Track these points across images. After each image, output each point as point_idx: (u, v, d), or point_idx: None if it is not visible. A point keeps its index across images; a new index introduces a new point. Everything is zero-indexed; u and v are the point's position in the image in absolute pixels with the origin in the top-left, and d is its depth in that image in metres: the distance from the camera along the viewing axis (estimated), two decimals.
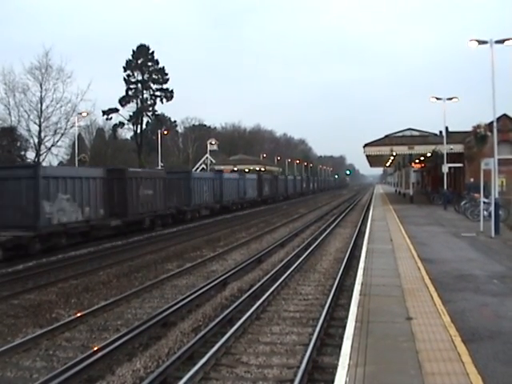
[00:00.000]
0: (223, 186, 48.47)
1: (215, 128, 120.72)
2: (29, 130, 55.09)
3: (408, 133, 48.81)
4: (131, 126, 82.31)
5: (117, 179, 28.75)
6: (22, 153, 55.33)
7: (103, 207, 26.60)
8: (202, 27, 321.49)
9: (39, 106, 55.27)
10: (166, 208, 34.52)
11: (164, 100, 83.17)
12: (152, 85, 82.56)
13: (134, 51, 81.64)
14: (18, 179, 21.91)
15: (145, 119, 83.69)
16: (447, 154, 40.86)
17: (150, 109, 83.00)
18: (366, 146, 47.36)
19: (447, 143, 41.23)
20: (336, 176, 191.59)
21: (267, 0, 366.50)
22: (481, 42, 23.61)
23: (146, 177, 32.63)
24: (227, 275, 16.91)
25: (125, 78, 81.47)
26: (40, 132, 55.06)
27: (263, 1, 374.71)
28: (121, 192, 28.88)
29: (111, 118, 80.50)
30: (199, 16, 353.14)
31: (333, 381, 6.63)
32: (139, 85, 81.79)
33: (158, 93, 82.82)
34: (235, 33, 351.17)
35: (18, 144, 54.80)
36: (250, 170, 78.36)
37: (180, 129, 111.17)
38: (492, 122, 25.23)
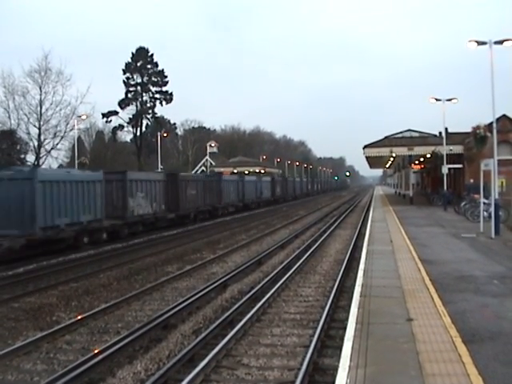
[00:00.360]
0: (245, 187, 55.81)
1: (215, 130, 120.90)
2: (28, 133, 55.26)
3: (407, 134, 48.89)
4: (131, 129, 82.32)
5: (171, 181, 35.91)
6: (22, 156, 55.38)
7: (164, 203, 34.11)
8: (202, 29, 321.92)
9: (39, 108, 55.47)
10: (204, 205, 42.35)
11: (163, 102, 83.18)
12: (151, 87, 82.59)
13: (133, 54, 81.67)
14: (111, 182, 28.63)
15: (144, 122, 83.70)
16: (447, 154, 40.90)
17: (150, 111, 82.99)
18: (365, 147, 47.41)
19: (447, 144, 41.27)
20: (336, 178, 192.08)
21: (267, 1, 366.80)
22: (480, 43, 23.63)
23: (191, 179, 41.44)
24: (227, 277, 16.92)
25: (124, 81, 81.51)
26: (40, 135, 55.20)
27: (263, 2, 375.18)
28: (174, 192, 36.10)
29: (111, 120, 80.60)
30: (198, 18, 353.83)
31: (333, 382, 6.64)
32: (139, 87, 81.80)
33: (157, 95, 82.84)
34: (235, 34, 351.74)
35: (18, 147, 54.84)
36: (249, 172, 78.32)
37: (179, 131, 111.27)
38: (491, 123, 25.25)
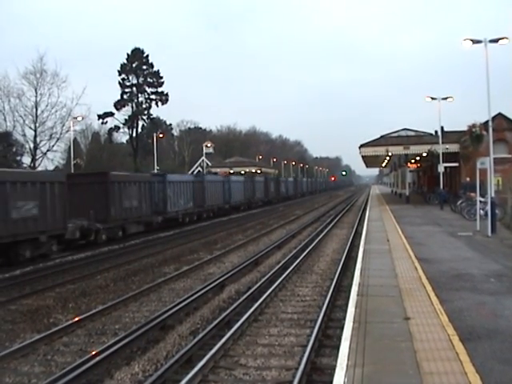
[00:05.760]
0: (269, 186, 71.59)
1: (211, 131, 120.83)
2: (24, 135, 55.05)
3: (403, 133, 48.97)
4: (127, 130, 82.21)
5: (226, 182, 51.50)
6: (18, 158, 55.25)
7: (222, 198, 49.40)
8: (198, 29, 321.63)
9: (34, 110, 55.27)
10: (245, 199, 58.35)
11: (159, 103, 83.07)
12: (147, 88, 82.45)
13: (128, 55, 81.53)
14: (195, 182, 42.32)
15: (140, 123, 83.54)
16: (443, 153, 40.95)
17: (146, 112, 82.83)
18: (361, 146, 47.49)
19: (443, 143, 41.34)
20: (344, 173, 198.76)
21: (265, 2, 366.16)
22: (475, 42, 23.67)
23: (237, 181, 57.10)
24: (225, 278, 16.92)
25: (120, 82, 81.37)
26: (35, 137, 55.02)
27: (261, 3, 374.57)
28: (227, 189, 51.54)
29: (106, 122, 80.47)
30: (194, 18, 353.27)
31: (331, 382, 6.64)
32: (134, 88, 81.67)
33: (153, 96, 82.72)
34: (231, 35, 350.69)
35: (14, 149, 54.71)
36: (245, 172, 78.50)
37: (175, 132, 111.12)
38: (487, 122, 25.32)
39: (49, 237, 22.37)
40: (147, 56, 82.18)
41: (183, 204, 38.56)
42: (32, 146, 54.90)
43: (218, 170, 77.62)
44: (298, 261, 19.52)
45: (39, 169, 53.39)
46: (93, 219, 26.46)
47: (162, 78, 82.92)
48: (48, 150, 56.18)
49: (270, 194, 71.26)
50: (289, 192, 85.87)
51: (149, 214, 32.90)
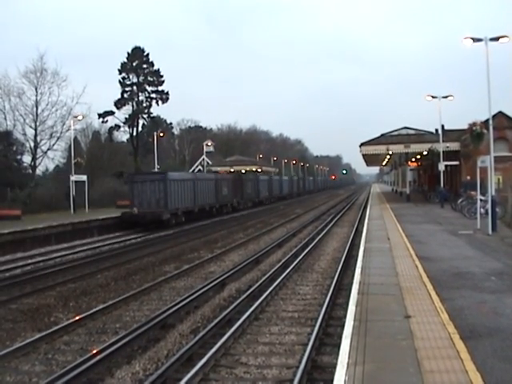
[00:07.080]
0: (300, 183, 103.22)
1: (211, 129, 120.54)
2: (25, 134, 54.96)
3: (404, 131, 48.92)
4: (127, 129, 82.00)
5: (268, 180, 71.41)
6: (19, 157, 55.19)
7: (267, 191, 69.52)
8: (198, 28, 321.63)
9: (35, 109, 55.22)
10: (288, 192, 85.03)
11: (160, 102, 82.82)
12: (147, 87, 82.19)
13: (128, 54, 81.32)
14: (249, 180, 61.95)
15: (141, 121, 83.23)
16: (443, 152, 40.93)
17: (146, 111, 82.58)
18: (362, 145, 47.46)
19: (443, 141, 41.31)
20: (344, 171, 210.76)
21: (265, 1, 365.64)
22: (476, 40, 23.61)
23: (285, 179, 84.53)
24: (225, 276, 16.92)
25: (120, 81, 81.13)
26: (36, 136, 54.97)
27: (261, 1, 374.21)
28: (270, 186, 71.95)
29: (107, 120, 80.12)
30: (195, 16, 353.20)
31: (332, 380, 6.63)
32: (134, 87, 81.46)
33: (153, 95, 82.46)
34: (232, 33, 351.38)
35: (14, 148, 54.60)
36: (246, 171, 78.63)
37: (176, 131, 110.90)
38: (488, 120, 25.24)
39: (229, 204, 50.68)
40: (147, 55, 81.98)
41: (264, 192, 66.83)
42: (32, 145, 54.90)
43: (219, 168, 77.60)
44: (298, 259, 19.55)
45: (40, 168, 53.57)
46: (238, 198, 53.77)
47: (162, 76, 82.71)
48: (48, 149, 56.24)
49: (300, 188, 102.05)
50: (310, 187, 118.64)
51: (253, 197, 61.84)
